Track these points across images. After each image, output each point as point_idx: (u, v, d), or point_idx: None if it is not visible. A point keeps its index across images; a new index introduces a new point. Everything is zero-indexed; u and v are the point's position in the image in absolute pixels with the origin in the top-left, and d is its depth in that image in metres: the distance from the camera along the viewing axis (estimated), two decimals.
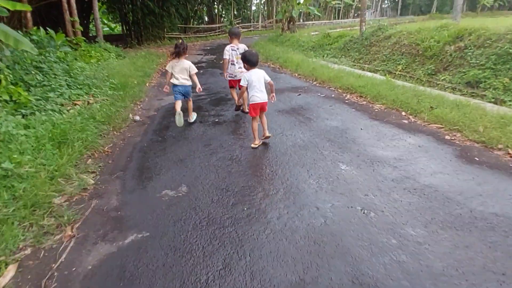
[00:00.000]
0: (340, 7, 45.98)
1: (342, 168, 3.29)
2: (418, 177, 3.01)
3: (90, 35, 32.35)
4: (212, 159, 3.70)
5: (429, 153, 3.51)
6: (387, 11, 64.99)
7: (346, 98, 6.06)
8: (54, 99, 5.26)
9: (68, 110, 5.06)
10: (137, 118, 5.47)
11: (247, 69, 3.88)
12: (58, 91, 5.66)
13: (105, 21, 42.68)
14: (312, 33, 18.58)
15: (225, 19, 30.01)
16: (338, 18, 46.00)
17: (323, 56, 11.30)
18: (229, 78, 5.29)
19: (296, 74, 8.62)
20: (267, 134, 3.98)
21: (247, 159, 3.66)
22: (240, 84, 3.89)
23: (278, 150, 3.85)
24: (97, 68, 8.26)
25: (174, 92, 4.92)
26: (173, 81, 4.85)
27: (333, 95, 6.31)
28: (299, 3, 17.13)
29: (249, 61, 3.83)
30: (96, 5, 14.30)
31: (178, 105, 4.83)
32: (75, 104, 5.48)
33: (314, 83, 7.53)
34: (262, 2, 38.40)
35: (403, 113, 4.90)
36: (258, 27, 32.09)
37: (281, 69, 9.78)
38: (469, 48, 6.65)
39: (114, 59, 10.64)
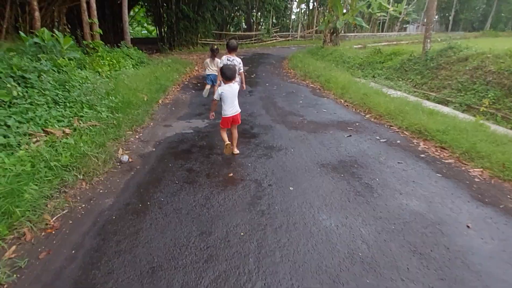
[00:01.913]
0: (385, 20, 43.54)
1: None
2: None
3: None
4: (206, 278, 2.07)
5: None
6: (434, 25, 60.85)
7: (419, 148, 4.24)
8: (16, 126, 3.90)
9: (29, 144, 3.68)
10: (125, 158, 3.98)
11: (224, 83, 3.87)
12: (32, 113, 4.31)
13: (145, 24, 43.24)
14: (354, 46, 16.74)
15: (262, 27, 28.69)
16: (382, 31, 43.49)
17: (374, 76, 9.44)
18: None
19: (342, 101, 6.85)
20: (235, 151, 4.10)
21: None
22: (214, 97, 3.92)
23: (323, 268, 2.14)
24: (103, 79, 6.98)
25: (207, 78, 6.67)
26: (207, 71, 6.60)
27: (398, 141, 4.50)
28: (345, 14, 15.31)
29: (224, 74, 3.83)
30: (125, 7, 13.33)
31: (208, 85, 6.67)
32: (48, 133, 4.10)
33: (368, 116, 5.73)
34: (302, 11, 36.85)
35: None
36: (296, 37, 30.48)
37: (322, 91, 8.05)
38: None
39: (131, 68, 9.41)
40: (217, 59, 6.35)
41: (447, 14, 60.14)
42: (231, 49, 5.25)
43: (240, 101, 6.90)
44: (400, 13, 42.60)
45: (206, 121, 5.57)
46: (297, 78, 10.01)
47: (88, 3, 9.18)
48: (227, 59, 5.21)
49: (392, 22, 45.99)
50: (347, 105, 6.53)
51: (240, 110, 4.06)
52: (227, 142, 3.87)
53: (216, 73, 6.23)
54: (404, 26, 51.32)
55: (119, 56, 9.95)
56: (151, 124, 5.46)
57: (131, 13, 31.26)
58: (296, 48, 22.77)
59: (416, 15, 51.30)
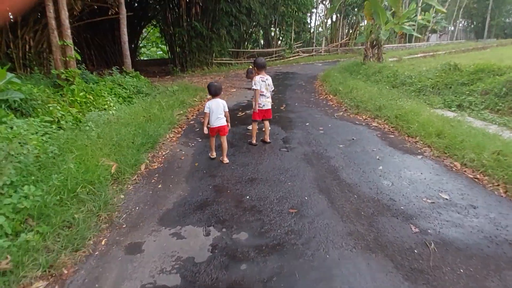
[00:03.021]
0: (414, 29, 40.31)
1: None
2: None
3: (139, 59, 30.48)
4: None
5: None
6: (458, 33, 56.13)
7: None
8: None
9: None
10: None
11: (209, 98, 4.27)
12: None
13: (160, 45, 41.82)
14: (389, 59, 13.89)
15: (283, 43, 26.15)
16: (410, 42, 40.18)
17: (461, 106, 6.46)
18: (258, 108, 4.84)
19: (458, 165, 3.85)
20: (225, 160, 4.34)
21: None
22: (204, 111, 4.22)
23: None
24: (54, 133, 4.36)
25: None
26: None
27: None
28: (387, 22, 12.42)
29: (209, 90, 4.26)
30: (123, 25, 11.01)
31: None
32: None
33: None
34: (324, 25, 34.07)
35: None
36: (321, 52, 27.80)
37: (400, 136, 5.12)
38: None
39: (115, 105, 6.83)
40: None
41: (476, 22, 56.30)
42: (261, 67, 4.88)
43: (277, 166, 4.13)
44: (428, 22, 39.40)
45: (213, 234, 2.74)
46: (346, 110, 7.13)
47: (57, 19, 6.73)
48: (261, 80, 4.83)
49: (420, 31, 42.70)
50: (479, 179, 3.53)
51: (225, 123, 4.26)
52: (214, 155, 4.50)
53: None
54: (427, 36, 47.79)
55: (102, 89, 7.42)
56: (102, 244, 2.68)
57: (145, 33, 29.66)
58: (322, 64, 20.03)
59: (446, 23, 47.81)
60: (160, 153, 4.88)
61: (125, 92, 8.25)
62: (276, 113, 7.14)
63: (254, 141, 4.96)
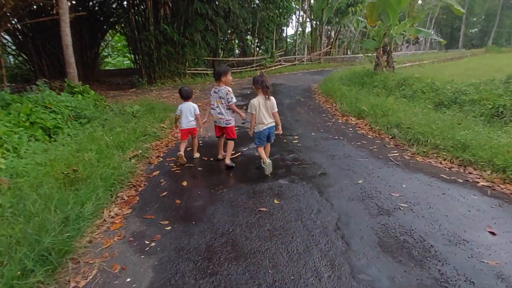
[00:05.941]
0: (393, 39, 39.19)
1: None
2: None
3: (101, 68, 26.89)
4: None
5: None
6: (426, 44, 56.24)
7: None
8: None
9: None
10: None
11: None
12: None
13: (127, 54, 38.26)
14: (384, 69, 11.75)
15: (262, 51, 23.66)
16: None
17: None
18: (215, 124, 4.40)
19: None
20: (195, 155, 4.52)
21: None
22: (176, 113, 4.36)
23: None
24: None
25: (257, 138, 3.85)
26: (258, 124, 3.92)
27: None
28: (397, 25, 10.22)
29: (181, 95, 4.34)
30: (64, 23, 8.11)
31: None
32: None
33: None
34: (302, 33, 32.06)
35: None
36: (303, 61, 25.68)
37: None
38: None
39: (23, 145, 3.94)
40: (272, 99, 3.77)
41: (444, 33, 57.22)
42: (215, 77, 4.21)
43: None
44: (405, 31, 38.32)
45: None
46: (398, 146, 4.62)
47: None
48: (214, 91, 4.21)
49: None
50: None
51: (195, 126, 4.34)
52: (181, 152, 4.23)
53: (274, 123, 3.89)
54: (404, 45, 47.43)
55: (7, 117, 4.51)
56: None
57: (109, 40, 26.33)
58: (309, 74, 17.78)
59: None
60: (81, 273, 2.07)
61: (53, 120, 5.32)
62: (290, 154, 4.50)
63: (219, 156, 4.43)
